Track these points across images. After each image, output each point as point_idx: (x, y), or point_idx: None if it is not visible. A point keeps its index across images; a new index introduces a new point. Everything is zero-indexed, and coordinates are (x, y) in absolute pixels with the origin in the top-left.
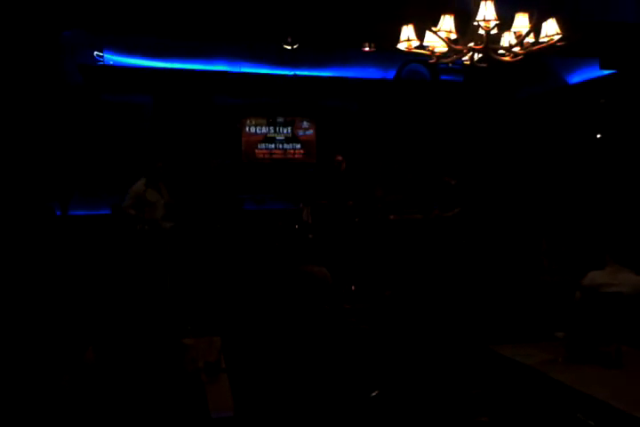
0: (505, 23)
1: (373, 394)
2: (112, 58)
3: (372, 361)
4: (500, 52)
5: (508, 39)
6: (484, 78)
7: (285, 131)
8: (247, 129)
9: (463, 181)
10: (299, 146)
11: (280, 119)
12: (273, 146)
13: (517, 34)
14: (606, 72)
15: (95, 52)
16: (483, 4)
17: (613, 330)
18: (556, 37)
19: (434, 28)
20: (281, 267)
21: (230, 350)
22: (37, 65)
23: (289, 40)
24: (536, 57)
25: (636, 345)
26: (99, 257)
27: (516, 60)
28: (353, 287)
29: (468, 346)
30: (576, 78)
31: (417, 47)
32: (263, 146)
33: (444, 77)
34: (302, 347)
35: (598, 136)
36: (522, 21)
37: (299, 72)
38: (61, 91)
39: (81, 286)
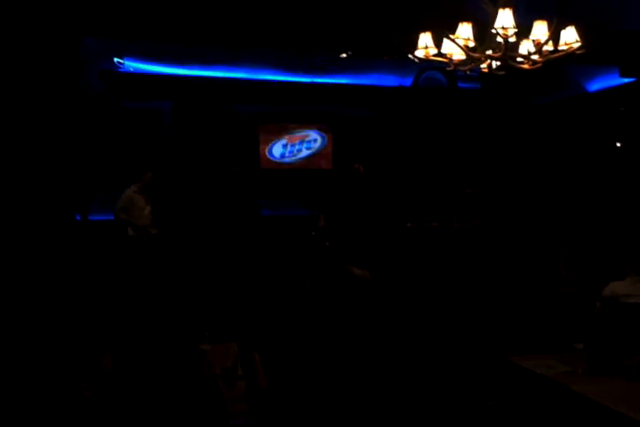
0: (523, 31)
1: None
2: (132, 65)
3: (392, 371)
4: (519, 59)
5: (526, 47)
6: (502, 86)
7: (302, 138)
8: (265, 136)
9: (481, 190)
10: (316, 153)
11: (298, 126)
12: (290, 153)
13: (536, 42)
14: (626, 80)
15: (116, 59)
16: (501, 11)
17: (635, 342)
18: (575, 45)
19: (452, 36)
20: (320, 267)
21: (247, 357)
22: (59, 72)
23: (309, 47)
24: (555, 64)
25: None
26: (117, 262)
27: (534, 68)
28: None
29: (486, 357)
30: (595, 86)
31: (435, 55)
32: (280, 153)
33: (461, 85)
34: (320, 353)
35: (618, 144)
36: (540, 29)
37: (317, 79)
38: (83, 97)
39: (100, 291)
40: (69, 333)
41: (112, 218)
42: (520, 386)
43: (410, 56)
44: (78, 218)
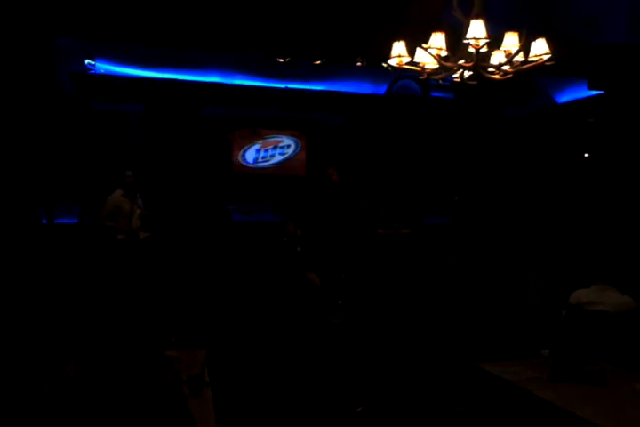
0: (495, 42)
1: (358, 410)
2: (104, 66)
3: (358, 376)
4: (490, 70)
5: (497, 58)
6: (474, 96)
7: (275, 143)
8: (238, 141)
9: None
10: (289, 159)
11: (270, 132)
12: (263, 158)
13: (507, 53)
14: (595, 92)
15: (87, 61)
16: (473, 22)
17: (598, 349)
18: (545, 57)
19: (425, 45)
20: (276, 273)
21: (214, 363)
22: (30, 72)
23: (282, 53)
24: (525, 76)
25: (621, 364)
26: (82, 267)
27: (505, 79)
28: (339, 302)
29: (453, 362)
30: (565, 98)
31: (408, 63)
32: (253, 158)
33: (434, 94)
34: (287, 361)
35: (586, 155)
36: (511, 40)
37: (290, 85)
38: (53, 98)
39: (64, 296)
40: (32, 337)
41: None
42: (487, 392)
43: (383, 64)
44: (44, 221)
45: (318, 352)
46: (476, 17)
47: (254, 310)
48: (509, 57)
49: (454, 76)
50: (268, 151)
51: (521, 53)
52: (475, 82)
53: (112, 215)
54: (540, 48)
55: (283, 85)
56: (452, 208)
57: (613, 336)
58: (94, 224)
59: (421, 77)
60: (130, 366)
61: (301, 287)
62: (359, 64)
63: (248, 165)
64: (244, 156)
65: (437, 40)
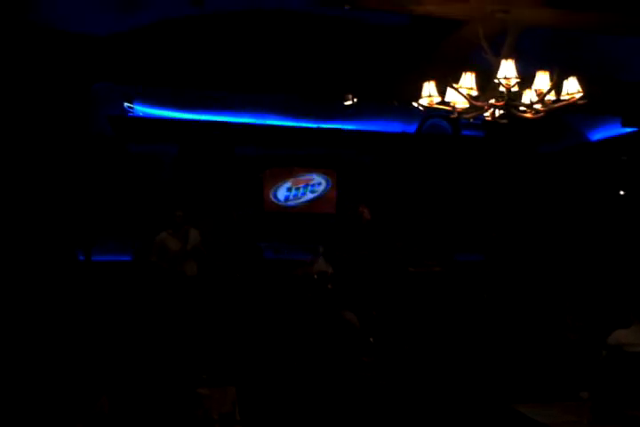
0: (526, 81)
1: None
2: (142, 109)
3: (390, 417)
4: (522, 108)
5: (529, 96)
6: (505, 134)
7: (306, 182)
8: (270, 179)
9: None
10: (320, 197)
11: (302, 170)
12: (294, 196)
13: (538, 91)
14: (628, 130)
15: (125, 104)
16: (503, 62)
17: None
18: (577, 96)
19: (455, 85)
20: (313, 312)
21: (246, 401)
22: (68, 116)
23: (350, 97)
24: (558, 114)
25: None
26: (118, 304)
27: (537, 117)
28: (371, 339)
29: (489, 404)
30: (598, 135)
31: (438, 103)
32: (285, 196)
33: (465, 132)
34: (317, 399)
35: (621, 193)
36: (543, 79)
37: (322, 125)
38: (90, 141)
39: (99, 332)
40: (67, 373)
41: (115, 259)
42: None
43: (414, 104)
44: (82, 258)
45: (350, 391)
46: (507, 56)
47: (289, 348)
48: (541, 96)
49: (485, 114)
50: (299, 189)
51: (553, 92)
52: (506, 120)
53: (157, 253)
54: (572, 86)
55: (314, 125)
56: (489, 244)
57: None
58: (136, 262)
59: (452, 116)
60: (162, 402)
61: (340, 328)
62: (394, 104)
63: (279, 204)
64: (275, 194)
65: (468, 80)
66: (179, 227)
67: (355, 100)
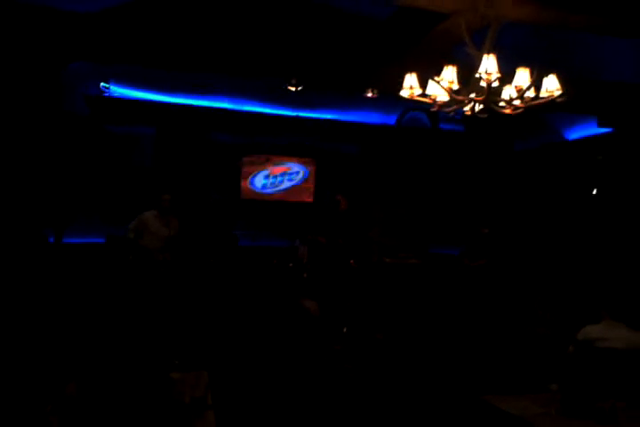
0: (506, 77)
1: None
2: (117, 90)
3: (359, 404)
4: (501, 104)
5: (508, 92)
6: (484, 129)
7: (284, 170)
8: (247, 167)
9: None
10: (297, 185)
11: (280, 158)
12: (272, 184)
13: (518, 88)
14: (604, 130)
15: (101, 84)
16: (485, 57)
17: (609, 386)
18: (557, 93)
19: (436, 78)
20: (274, 300)
21: (218, 386)
22: (42, 94)
23: (293, 82)
24: (536, 111)
25: (632, 402)
26: (89, 287)
27: (516, 113)
28: (345, 329)
29: (459, 396)
30: (574, 135)
31: (419, 95)
32: (262, 184)
33: (444, 126)
34: (289, 384)
35: (594, 192)
36: (523, 76)
37: (301, 113)
38: (64, 120)
39: (68, 315)
40: (34, 356)
41: (88, 241)
42: (493, 426)
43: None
44: (52, 240)
45: (319, 377)
46: (489, 51)
47: (255, 334)
48: (520, 92)
49: (465, 109)
50: (277, 177)
51: (532, 89)
52: (485, 115)
53: (136, 230)
54: (551, 84)
55: (293, 113)
56: (476, 239)
57: (624, 374)
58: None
59: (432, 109)
60: (133, 387)
61: (297, 316)
62: (370, 95)
63: (256, 191)
64: (252, 181)
65: (449, 73)
66: (165, 211)
67: (300, 86)
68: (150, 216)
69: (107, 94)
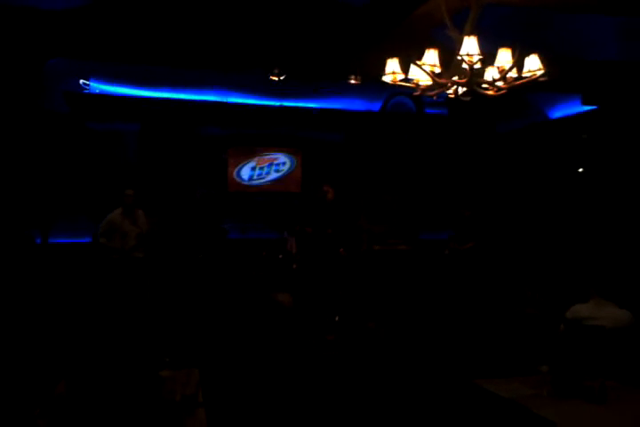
0: (488, 58)
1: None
2: (98, 86)
3: (352, 394)
4: (484, 86)
5: (491, 74)
6: (468, 112)
7: (271, 161)
8: (233, 159)
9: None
10: (284, 176)
11: (266, 149)
12: (259, 176)
13: (500, 69)
14: (587, 108)
15: (81, 81)
16: (466, 39)
17: (597, 364)
18: (539, 73)
19: (418, 62)
20: (248, 294)
21: (209, 383)
22: (22, 92)
23: (276, 71)
24: (518, 92)
25: (621, 380)
26: (76, 286)
27: (499, 95)
28: (337, 318)
29: (451, 380)
30: (558, 113)
31: (402, 80)
32: (249, 175)
33: (429, 110)
34: (280, 378)
35: (580, 170)
36: (505, 57)
37: (285, 103)
38: (46, 118)
39: (56, 315)
40: (23, 357)
41: (74, 241)
42: (486, 409)
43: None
44: (38, 240)
45: (311, 369)
46: (470, 33)
47: (239, 330)
48: (503, 73)
49: (448, 92)
50: (264, 169)
51: (514, 69)
52: (468, 98)
53: (106, 233)
54: (533, 64)
55: (277, 103)
56: (461, 222)
57: (612, 352)
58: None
59: (415, 93)
60: (123, 386)
61: (270, 309)
62: (353, 81)
63: (243, 183)
64: (239, 173)
65: (431, 57)
66: (129, 207)
67: (282, 76)
68: (117, 216)
69: (87, 91)
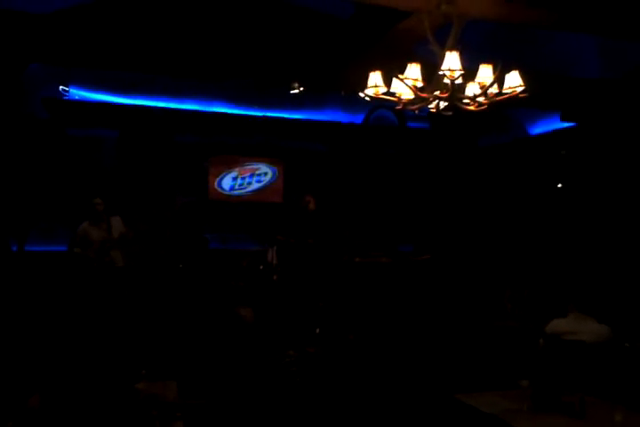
0: (470, 74)
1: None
2: (77, 93)
3: (330, 407)
4: (465, 101)
5: (472, 89)
6: (449, 126)
7: (252, 171)
8: (214, 168)
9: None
10: (266, 186)
11: (247, 159)
12: (240, 185)
13: (481, 84)
14: (567, 125)
15: (61, 87)
16: (448, 54)
17: (577, 379)
18: (519, 89)
19: (401, 76)
20: (211, 309)
21: (187, 396)
22: (1, 99)
23: (296, 85)
24: (499, 107)
25: (599, 395)
26: (52, 296)
27: (480, 110)
28: (317, 330)
29: (431, 394)
30: (537, 129)
31: (384, 93)
32: (230, 185)
33: (411, 124)
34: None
35: (559, 186)
36: (486, 72)
37: (268, 113)
38: (25, 124)
39: (31, 325)
40: None
41: (51, 249)
42: (466, 424)
43: (360, 94)
44: (14, 248)
45: (280, 383)
46: (451, 49)
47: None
48: (484, 89)
49: (430, 106)
50: (245, 179)
51: (495, 85)
52: (450, 113)
53: (80, 243)
54: (513, 80)
55: (260, 114)
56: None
57: (591, 367)
58: (67, 253)
59: (398, 107)
60: (98, 399)
61: (232, 323)
62: (341, 93)
63: (224, 193)
64: (220, 183)
65: (413, 71)
66: (99, 216)
67: (301, 88)
68: (87, 226)
69: (66, 97)
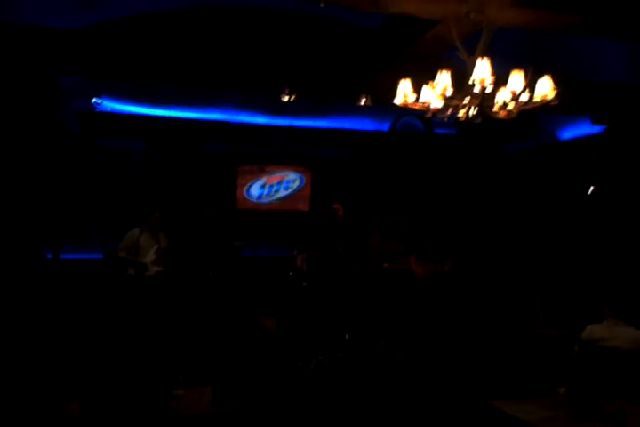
0: (499, 81)
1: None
2: (109, 105)
3: (362, 413)
4: (495, 109)
5: (502, 96)
6: (476, 132)
7: (280, 178)
8: (243, 176)
9: (451, 234)
10: (293, 194)
11: (275, 167)
12: (268, 194)
13: (512, 92)
14: (597, 130)
15: (93, 100)
16: (478, 61)
17: (614, 387)
18: (550, 97)
19: (431, 83)
20: (233, 320)
21: (222, 401)
22: (35, 111)
23: (286, 91)
24: (528, 113)
25: (637, 403)
26: (88, 304)
27: (510, 118)
28: (347, 336)
29: (465, 401)
30: (567, 134)
31: (413, 102)
32: (258, 193)
33: (437, 131)
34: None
35: (589, 192)
36: (517, 79)
37: (295, 122)
38: (59, 136)
39: (68, 334)
40: (36, 376)
41: (85, 257)
42: None
43: (395, 101)
44: (49, 256)
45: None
46: (481, 56)
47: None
48: (515, 96)
49: (459, 114)
50: (273, 187)
51: (526, 92)
52: (479, 120)
53: (126, 248)
54: (545, 87)
55: (288, 122)
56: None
57: (628, 374)
58: (107, 259)
59: (427, 116)
60: (137, 405)
61: (255, 335)
62: (362, 103)
63: (253, 201)
64: (248, 191)
65: (443, 79)
66: (154, 228)
67: (292, 95)
68: (137, 232)
69: (98, 109)
